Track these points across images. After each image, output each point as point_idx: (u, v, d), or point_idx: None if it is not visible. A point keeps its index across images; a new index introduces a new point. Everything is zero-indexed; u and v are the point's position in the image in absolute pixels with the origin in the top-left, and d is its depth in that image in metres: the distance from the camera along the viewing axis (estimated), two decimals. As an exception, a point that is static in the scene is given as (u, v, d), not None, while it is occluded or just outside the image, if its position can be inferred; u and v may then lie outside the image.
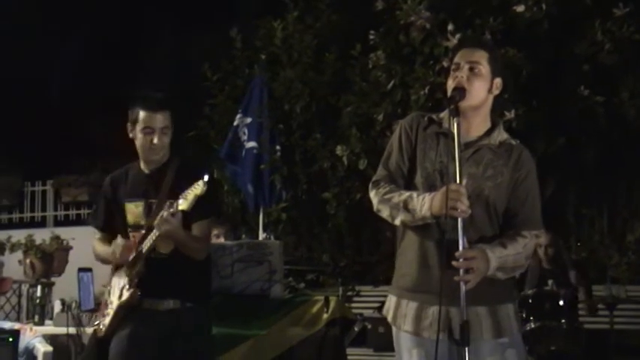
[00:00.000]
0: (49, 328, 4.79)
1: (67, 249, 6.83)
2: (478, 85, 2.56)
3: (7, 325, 4.25)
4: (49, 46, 10.59)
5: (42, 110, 10.40)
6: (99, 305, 3.61)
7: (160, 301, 3.17)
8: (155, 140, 3.14)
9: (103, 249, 3.33)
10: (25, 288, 7.90)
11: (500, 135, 2.63)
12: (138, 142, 3.20)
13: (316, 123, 6.75)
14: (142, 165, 3.27)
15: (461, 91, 2.52)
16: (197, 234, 3.16)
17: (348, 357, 4.42)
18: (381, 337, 5.42)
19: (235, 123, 6.71)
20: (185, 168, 3.21)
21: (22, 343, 4.02)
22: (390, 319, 2.68)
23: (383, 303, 5.65)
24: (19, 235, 8.43)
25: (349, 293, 6.20)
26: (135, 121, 3.18)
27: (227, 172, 7.10)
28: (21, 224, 10.20)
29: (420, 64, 5.85)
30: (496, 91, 2.62)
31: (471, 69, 2.57)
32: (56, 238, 6.88)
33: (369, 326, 5.44)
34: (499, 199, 2.57)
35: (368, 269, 6.55)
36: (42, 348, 3.99)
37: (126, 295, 3.14)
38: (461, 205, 2.39)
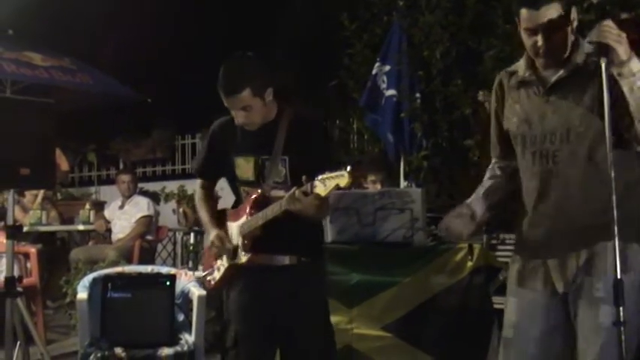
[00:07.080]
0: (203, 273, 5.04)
1: (217, 198, 7.11)
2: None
3: (165, 269, 4.50)
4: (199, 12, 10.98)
5: (191, 68, 10.81)
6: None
7: (275, 257, 3.09)
8: (240, 120, 2.99)
9: (203, 212, 3.33)
10: (179, 235, 8.37)
11: None
12: None
13: (457, 68, 6.56)
14: None
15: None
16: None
17: (494, 305, 4.34)
18: (526, 286, 5.29)
19: (374, 71, 6.67)
20: (298, 122, 3.06)
21: (179, 287, 4.23)
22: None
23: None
24: (172, 186, 8.93)
25: (493, 241, 6.05)
26: None
27: (367, 121, 7.11)
28: (173, 176, 10.73)
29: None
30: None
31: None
32: (206, 188, 7.18)
33: (515, 275, 5.32)
34: None
35: (513, 217, 6.36)
36: (197, 292, 4.18)
37: (243, 259, 3.06)
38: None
